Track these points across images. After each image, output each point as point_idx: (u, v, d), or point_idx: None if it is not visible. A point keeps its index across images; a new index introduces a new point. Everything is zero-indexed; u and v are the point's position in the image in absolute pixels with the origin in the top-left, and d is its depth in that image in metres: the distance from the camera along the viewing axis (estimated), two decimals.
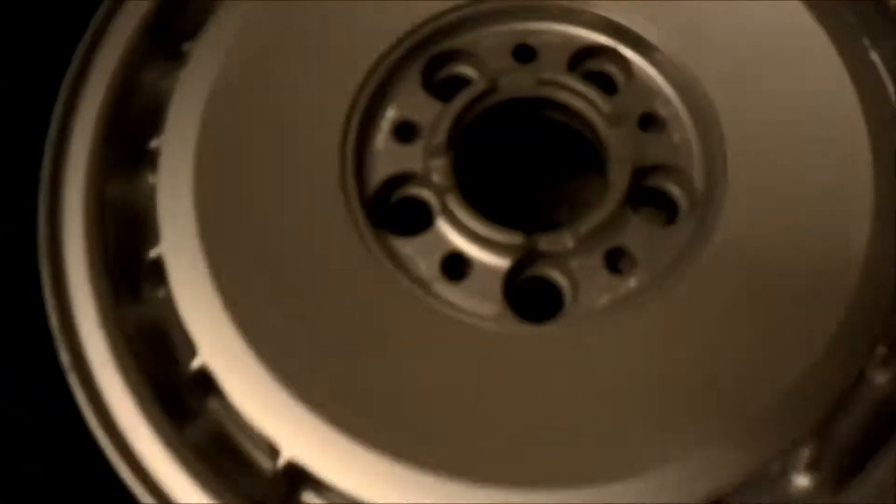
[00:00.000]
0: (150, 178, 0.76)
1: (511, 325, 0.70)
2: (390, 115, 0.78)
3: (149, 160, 0.76)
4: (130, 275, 0.74)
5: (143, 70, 0.80)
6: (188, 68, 0.77)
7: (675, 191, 0.76)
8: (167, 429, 0.67)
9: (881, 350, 0.67)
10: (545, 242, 0.72)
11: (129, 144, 0.77)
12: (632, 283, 0.71)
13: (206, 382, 0.68)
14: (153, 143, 0.76)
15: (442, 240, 0.73)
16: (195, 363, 0.69)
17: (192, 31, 0.80)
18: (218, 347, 0.69)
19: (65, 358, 0.69)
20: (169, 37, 0.81)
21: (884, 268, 0.69)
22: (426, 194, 0.76)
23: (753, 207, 0.72)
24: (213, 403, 0.69)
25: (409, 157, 0.76)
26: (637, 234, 0.73)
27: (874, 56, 0.80)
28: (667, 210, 0.77)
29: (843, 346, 0.67)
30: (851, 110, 0.74)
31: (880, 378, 0.68)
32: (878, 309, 0.68)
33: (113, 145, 0.77)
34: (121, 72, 0.79)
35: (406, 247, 0.74)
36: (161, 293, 0.73)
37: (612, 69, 0.81)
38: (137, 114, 0.79)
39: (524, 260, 0.73)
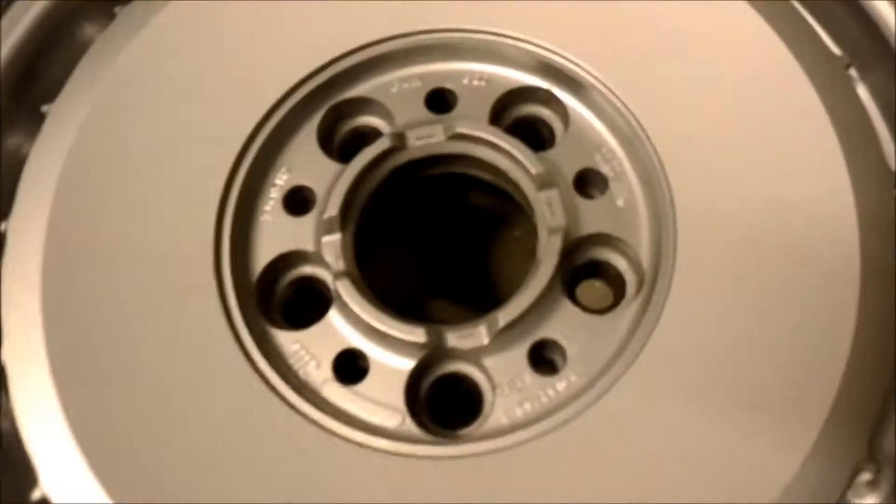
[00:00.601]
0: None
1: (410, 445, 0.57)
2: (280, 181, 0.65)
3: None
4: None
5: (3, 132, 0.68)
6: (40, 137, 0.65)
7: (618, 266, 0.63)
8: None
9: (865, 476, 0.54)
10: (455, 338, 0.60)
11: None
12: (561, 385, 0.58)
13: None
14: (2, 225, 0.65)
15: (335, 335, 0.61)
16: (36, 494, 0.58)
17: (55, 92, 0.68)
18: (61, 479, 0.57)
19: None
20: (30, 98, 0.69)
21: (870, 374, 0.55)
22: (321, 277, 0.64)
23: (712, 290, 0.58)
24: None
25: (302, 233, 0.64)
26: (569, 323, 0.60)
27: (861, 90, 0.66)
28: (608, 290, 0.64)
29: (819, 471, 0.53)
30: (837, 172, 0.60)
31: None
32: (861, 425, 0.54)
33: None
34: None
35: (294, 342, 0.61)
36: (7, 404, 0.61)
37: (544, 117, 0.68)
38: None
39: (430, 359, 0.60)
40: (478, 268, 0.78)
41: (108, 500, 0.56)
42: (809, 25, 0.67)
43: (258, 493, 0.55)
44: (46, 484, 0.58)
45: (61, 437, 0.58)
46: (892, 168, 0.63)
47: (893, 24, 0.66)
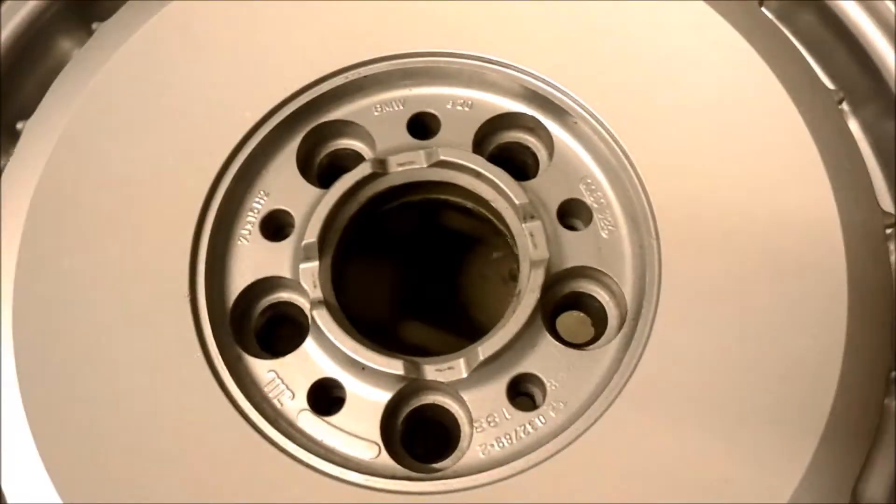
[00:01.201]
0: None
1: (385, 480, 0.56)
2: (258, 205, 0.64)
3: None
4: None
5: None
6: (15, 155, 0.64)
7: (601, 299, 0.62)
8: None
9: None
10: (434, 371, 0.58)
11: None
12: (540, 421, 0.57)
13: None
14: None
15: (311, 364, 0.60)
16: None
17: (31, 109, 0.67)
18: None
19: None
20: (5, 114, 0.68)
21: (855, 416, 0.54)
22: (298, 303, 0.62)
23: (696, 326, 0.57)
24: None
25: (279, 258, 0.63)
26: (549, 358, 0.59)
27: (853, 124, 0.65)
28: (590, 320, 0.63)
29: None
30: (825, 206, 0.59)
31: None
32: (845, 469, 0.54)
33: None
34: None
35: (269, 371, 0.60)
36: None
37: (529, 145, 0.66)
38: None
39: (407, 391, 0.59)
40: (454, 290, 0.77)
41: None
42: (803, 58, 0.66)
43: None
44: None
45: (31, 465, 0.56)
46: (882, 205, 0.62)
47: (888, 61, 0.65)
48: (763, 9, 0.69)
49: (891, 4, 0.65)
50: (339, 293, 0.62)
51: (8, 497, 0.57)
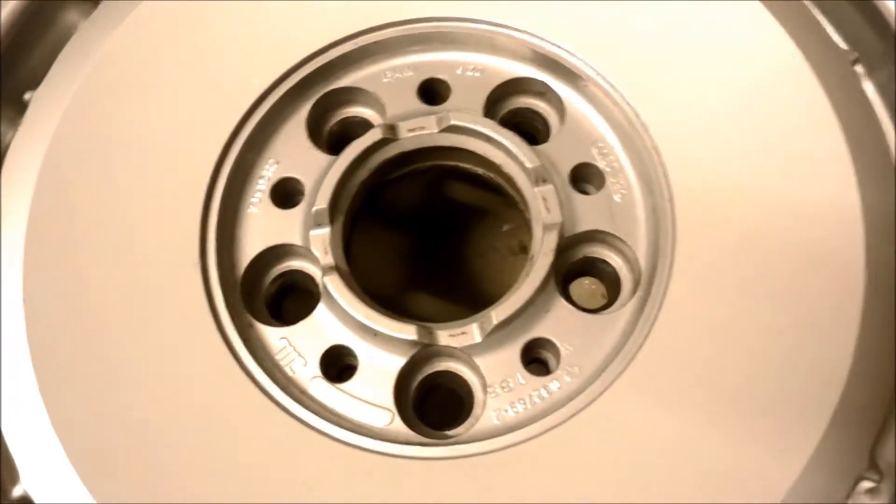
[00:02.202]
0: None
1: (398, 446, 0.56)
2: (268, 172, 0.64)
3: None
4: None
5: None
6: (23, 125, 0.64)
7: (614, 264, 0.61)
8: None
9: (866, 484, 0.53)
10: (447, 336, 0.58)
11: None
12: (554, 386, 0.57)
13: None
14: None
15: (323, 331, 0.60)
16: (16, 491, 0.56)
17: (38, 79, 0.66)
18: (42, 475, 0.56)
19: None
20: (13, 85, 0.67)
21: (873, 381, 0.54)
22: (309, 271, 0.62)
23: (711, 291, 0.57)
24: None
25: (290, 226, 0.62)
26: (563, 322, 0.59)
27: (867, 86, 0.64)
28: (604, 288, 0.62)
29: (820, 479, 0.52)
30: (842, 170, 0.58)
31: None
32: (863, 432, 0.53)
33: None
34: None
35: (280, 338, 0.60)
36: None
37: (539, 110, 0.66)
38: None
39: (420, 358, 0.58)
40: (463, 262, 0.76)
41: (92, 500, 0.54)
42: (816, 21, 0.66)
43: (243, 491, 0.54)
44: (27, 481, 0.56)
45: (44, 435, 0.56)
46: None
47: None
48: None
49: None
50: (350, 262, 0.62)
51: (21, 469, 0.57)
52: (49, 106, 0.63)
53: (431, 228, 0.77)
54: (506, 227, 0.79)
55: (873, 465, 0.53)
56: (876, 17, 0.65)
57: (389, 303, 0.60)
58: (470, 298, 0.72)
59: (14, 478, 0.57)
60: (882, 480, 0.53)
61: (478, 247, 0.79)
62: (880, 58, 0.65)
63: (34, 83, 0.66)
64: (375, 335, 0.58)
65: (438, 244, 0.79)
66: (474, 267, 0.78)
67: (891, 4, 0.65)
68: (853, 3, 0.66)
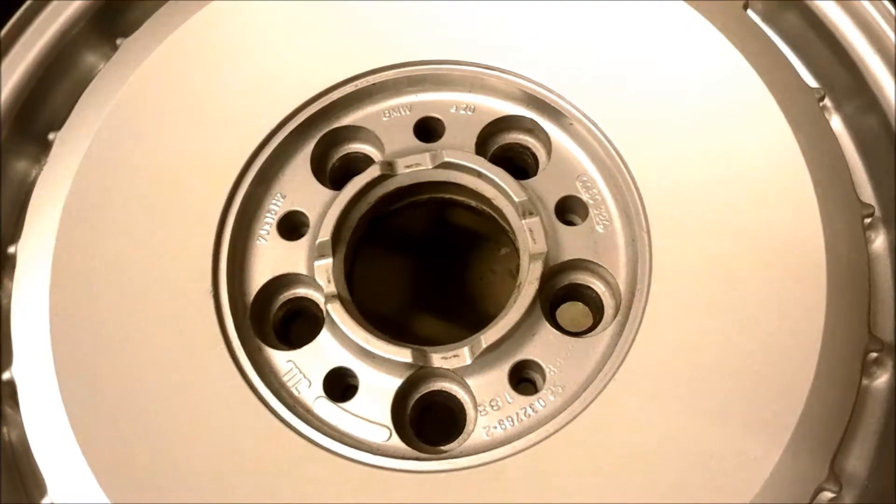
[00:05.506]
0: (8, 285, 0.67)
1: (395, 460, 0.60)
2: (276, 206, 0.69)
3: (10, 265, 0.68)
4: None
5: (10, 159, 0.72)
6: (48, 164, 0.69)
7: (597, 290, 0.66)
8: None
9: (826, 496, 0.57)
10: (440, 358, 0.63)
11: None
12: (540, 404, 0.61)
13: None
14: (11, 248, 0.68)
15: (326, 354, 0.64)
16: (44, 502, 0.61)
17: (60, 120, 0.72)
18: (68, 489, 0.61)
19: None
20: (35, 126, 0.73)
21: (835, 393, 0.58)
22: (313, 298, 0.67)
23: (684, 313, 0.61)
24: None
25: (296, 256, 0.67)
26: (548, 345, 0.63)
27: (835, 121, 0.69)
28: (588, 312, 0.67)
29: (781, 491, 0.56)
30: (806, 201, 0.63)
31: None
32: (824, 444, 0.57)
33: None
34: None
35: (287, 361, 0.64)
36: (17, 417, 0.64)
37: (528, 145, 0.71)
38: (3, 208, 0.71)
39: (416, 378, 0.63)
40: (463, 285, 0.81)
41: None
42: (786, 59, 0.70)
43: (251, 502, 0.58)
44: (54, 494, 0.61)
45: (69, 452, 0.61)
46: (863, 200, 0.65)
47: (866, 59, 0.69)
48: (749, 10, 0.72)
49: (868, 5, 0.68)
50: (352, 288, 0.66)
51: (48, 482, 0.61)
52: (72, 144, 0.68)
53: (432, 253, 0.81)
54: (503, 251, 0.84)
55: (832, 477, 0.57)
56: (842, 54, 0.70)
57: (393, 325, 0.65)
58: (470, 319, 0.76)
59: (42, 491, 0.61)
60: (841, 491, 0.58)
61: (477, 270, 0.83)
62: (847, 91, 0.69)
63: (58, 123, 0.71)
64: (374, 358, 0.63)
65: (439, 268, 0.83)
66: (474, 289, 0.83)
67: (854, 41, 0.69)
68: (820, 40, 0.71)
